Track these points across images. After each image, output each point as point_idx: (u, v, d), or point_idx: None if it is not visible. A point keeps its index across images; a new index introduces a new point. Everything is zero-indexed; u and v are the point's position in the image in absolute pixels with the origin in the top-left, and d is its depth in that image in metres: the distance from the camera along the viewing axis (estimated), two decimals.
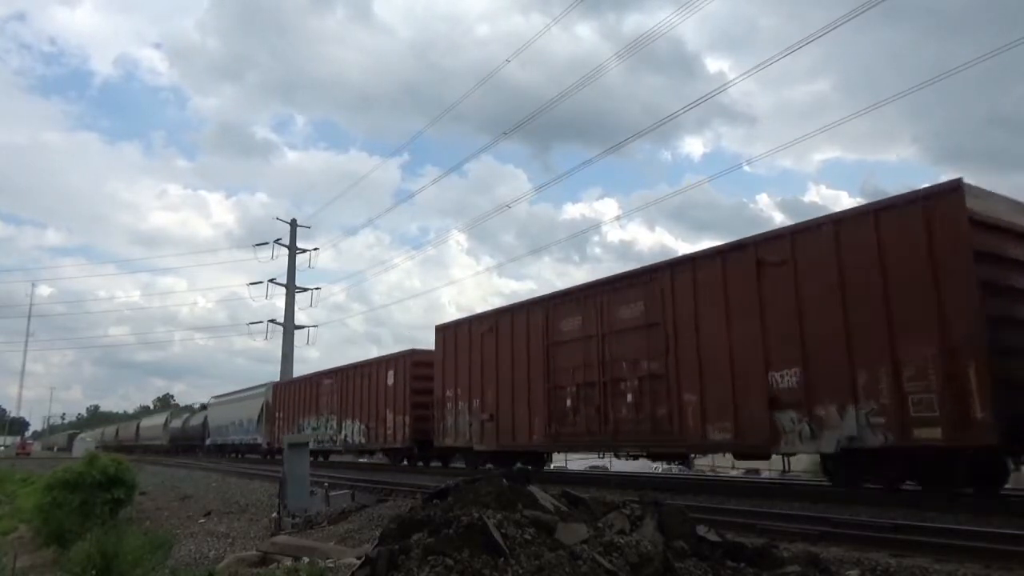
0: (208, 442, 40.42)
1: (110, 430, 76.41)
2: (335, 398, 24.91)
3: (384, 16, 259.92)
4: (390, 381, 21.27)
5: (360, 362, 24.26)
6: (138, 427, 64.23)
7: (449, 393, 18.14)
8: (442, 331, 19.03)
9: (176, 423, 51.74)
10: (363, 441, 22.86)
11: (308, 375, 29.27)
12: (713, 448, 12.51)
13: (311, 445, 22.50)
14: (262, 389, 31.97)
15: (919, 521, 7.45)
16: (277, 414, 29.94)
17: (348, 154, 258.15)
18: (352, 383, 23.98)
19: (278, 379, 44.51)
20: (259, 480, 21.20)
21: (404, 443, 20.46)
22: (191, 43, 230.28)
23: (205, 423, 41.64)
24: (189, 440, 46.57)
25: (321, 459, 26.60)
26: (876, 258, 9.25)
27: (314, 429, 25.71)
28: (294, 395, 28.82)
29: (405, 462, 22.00)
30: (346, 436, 23.81)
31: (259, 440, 31.57)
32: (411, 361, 20.84)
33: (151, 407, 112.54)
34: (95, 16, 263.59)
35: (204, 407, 46.81)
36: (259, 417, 31.53)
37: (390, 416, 21.17)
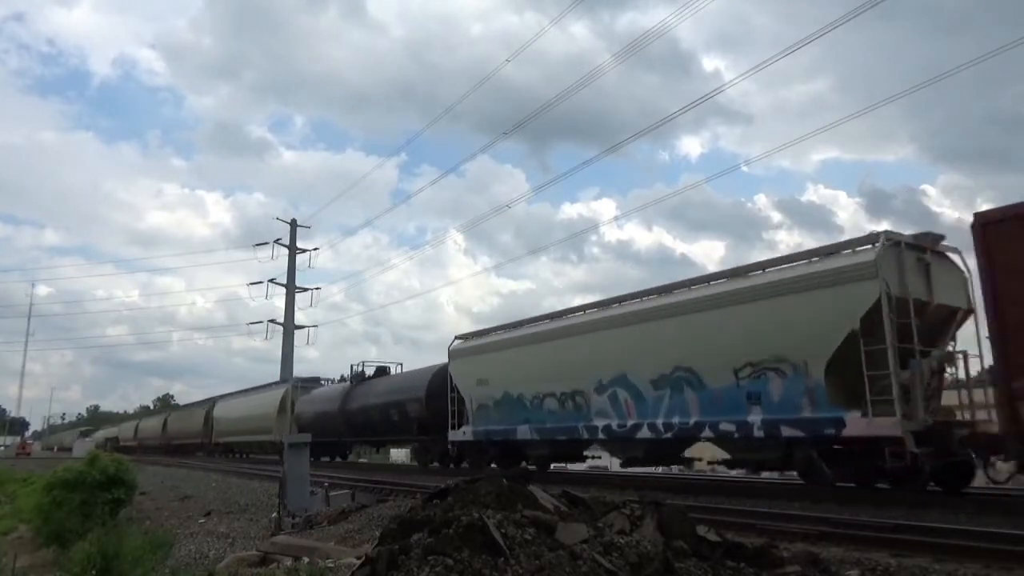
0: (468, 431, 18.20)
1: (150, 423, 54.03)
2: None
3: (377, 15, 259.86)
4: None
5: None
6: (208, 416, 39.15)
7: None
8: None
9: (315, 403, 27.87)
10: None
11: None
12: None
13: None
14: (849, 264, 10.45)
15: (919, 521, 7.46)
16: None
17: (345, 154, 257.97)
18: None
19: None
20: (259, 480, 21.24)
21: None
22: (186, 42, 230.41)
23: (454, 402, 18.87)
24: (361, 433, 24.98)
25: None
26: None
27: None
28: None
29: None
30: None
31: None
32: None
33: (151, 407, 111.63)
34: (93, 16, 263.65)
35: (384, 370, 25.36)
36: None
37: None
